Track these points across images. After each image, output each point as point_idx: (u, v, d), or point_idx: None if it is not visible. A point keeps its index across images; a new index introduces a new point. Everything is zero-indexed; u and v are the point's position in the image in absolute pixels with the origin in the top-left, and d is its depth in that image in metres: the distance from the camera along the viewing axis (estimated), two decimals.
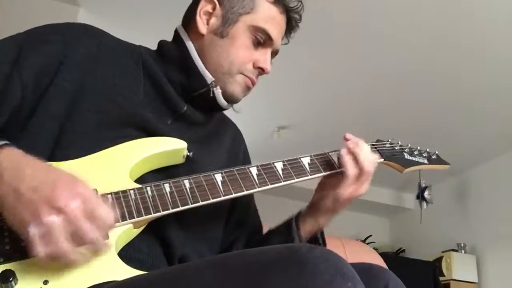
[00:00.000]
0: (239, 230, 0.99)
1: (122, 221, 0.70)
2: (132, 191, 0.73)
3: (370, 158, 0.90)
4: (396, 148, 1.03)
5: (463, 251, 4.08)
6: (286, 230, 0.93)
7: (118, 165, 0.76)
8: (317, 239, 0.96)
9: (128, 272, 0.67)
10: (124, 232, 0.71)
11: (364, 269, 0.68)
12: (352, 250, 1.73)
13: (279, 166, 0.87)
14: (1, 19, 2.51)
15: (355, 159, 0.89)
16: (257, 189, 0.83)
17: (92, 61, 0.82)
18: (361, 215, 5.18)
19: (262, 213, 1.07)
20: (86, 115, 0.77)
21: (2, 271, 0.60)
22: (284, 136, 4.06)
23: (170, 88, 0.87)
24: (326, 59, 2.99)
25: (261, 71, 0.92)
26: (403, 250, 4.91)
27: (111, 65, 0.84)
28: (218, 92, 0.89)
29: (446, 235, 4.30)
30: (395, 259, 4.34)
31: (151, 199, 0.74)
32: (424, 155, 1.06)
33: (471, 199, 4.24)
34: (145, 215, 0.72)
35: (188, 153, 0.84)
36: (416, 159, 1.04)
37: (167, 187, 0.76)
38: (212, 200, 0.78)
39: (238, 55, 0.89)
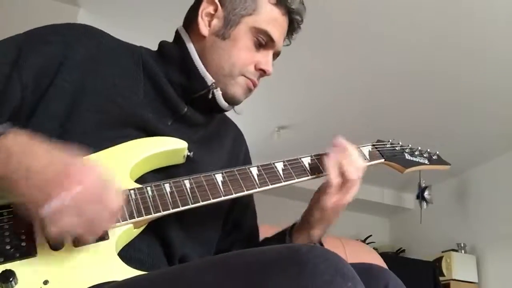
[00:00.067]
0: (235, 232, 0.99)
1: (122, 221, 0.70)
2: (132, 191, 0.73)
3: (356, 165, 0.86)
4: (396, 148, 1.03)
5: (463, 251, 4.08)
6: (279, 243, 0.92)
7: (118, 165, 0.76)
8: None
9: (128, 272, 0.67)
10: (124, 232, 0.71)
11: (364, 269, 0.68)
12: (352, 250, 1.74)
13: (279, 166, 0.87)
14: (1, 19, 2.51)
15: (339, 168, 0.86)
16: (258, 189, 0.83)
17: (92, 62, 0.82)
18: (361, 215, 5.18)
19: (263, 213, 1.07)
20: (86, 115, 0.77)
21: (2, 271, 0.60)
22: (284, 136, 4.06)
23: (170, 89, 0.87)
24: (326, 59, 3.00)
25: (263, 73, 0.91)
26: (403, 250, 4.91)
27: (111, 66, 0.84)
28: (218, 93, 0.89)
29: (446, 235, 4.30)
30: (395, 259, 4.34)
31: (151, 199, 0.74)
32: (424, 155, 1.06)
33: (471, 199, 4.24)
34: (146, 215, 0.72)
35: (189, 153, 0.84)
36: (417, 159, 1.04)
37: (167, 187, 0.76)
38: (212, 200, 0.78)
39: (240, 57, 0.88)
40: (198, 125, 0.91)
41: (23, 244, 0.64)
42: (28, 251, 0.63)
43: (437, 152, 1.09)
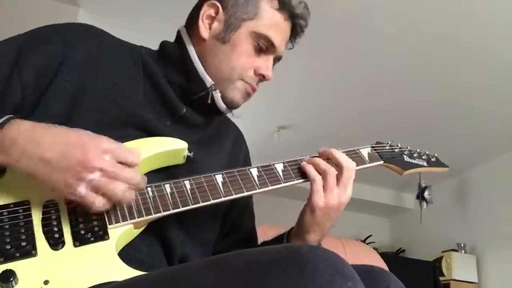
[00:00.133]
0: (233, 234, 0.99)
1: (122, 221, 0.70)
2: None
3: (339, 160, 0.87)
4: (395, 150, 1.03)
5: (463, 251, 4.08)
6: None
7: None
8: None
9: (128, 272, 0.67)
10: (125, 232, 0.71)
11: (365, 271, 0.68)
12: (352, 250, 1.74)
13: (279, 167, 0.87)
14: (2, 19, 2.51)
15: (316, 165, 0.87)
16: (258, 190, 0.83)
17: (92, 62, 0.82)
18: (361, 215, 5.18)
19: (263, 213, 1.07)
20: (86, 115, 0.78)
21: (3, 271, 0.60)
22: (284, 136, 4.06)
23: (169, 90, 0.87)
24: (327, 59, 3.00)
25: (262, 78, 0.91)
26: (403, 250, 4.91)
27: (111, 66, 0.84)
28: (217, 96, 0.88)
29: (446, 235, 4.30)
30: (395, 259, 4.33)
31: (151, 199, 0.74)
32: (423, 157, 1.06)
33: (471, 199, 4.24)
34: (146, 216, 0.72)
35: (189, 154, 0.84)
36: (416, 161, 1.04)
37: (167, 187, 0.76)
38: (212, 201, 0.78)
39: (239, 61, 0.88)
40: (197, 126, 0.91)
41: (24, 244, 0.64)
42: (28, 251, 0.63)
43: (436, 154, 1.09)
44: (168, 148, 0.82)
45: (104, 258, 0.67)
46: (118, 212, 0.70)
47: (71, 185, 0.63)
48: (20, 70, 0.76)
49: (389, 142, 1.04)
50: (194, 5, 0.95)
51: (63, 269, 0.64)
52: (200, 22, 0.89)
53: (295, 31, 0.95)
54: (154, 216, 0.73)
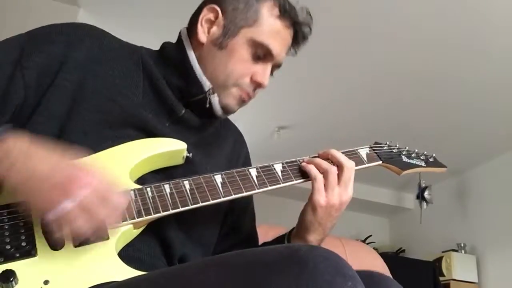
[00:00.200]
0: (234, 234, 0.99)
1: (122, 221, 0.70)
2: (132, 192, 0.73)
3: (338, 159, 0.88)
4: (394, 150, 1.03)
5: (463, 251, 4.08)
6: None
7: (118, 166, 0.76)
8: None
9: (128, 272, 0.67)
10: (124, 232, 0.71)
11: (365, 276, 0.67)
12: (352, 250, 1.74)
13: (278, 167, 0.87)
14: (2, 19, 2.52)
15: (317, 164, 0.88)
16: (257, 191, 0.83)
17: (93, 62, 0.82)
18: (361, 215, 5.18)
19: (262, 213, 1.07)
20: (86, 115, 0.78)
21: (3, 271, 0.60)
22: (284, 136, 4.06)
23: (168, 91, 0.87)
24: (327, 59, 3.00)
25: (258, 85, 0.90)
26: (403, 250, 4.91)
27: (112, 66, 0.84)
28: (215, 100, 0.88)
29: (446, 235, 4.30)
30: (395, 259, 4.33)
31: (151, 200, 0.74)
32: (421, 157, 1.07)
33: (471, 199, 4.24)
34: (145, 216, 0.72)
35: (188, 154, 0.84)
36: (414, 161, 1.04)
37: (167, 188, 0.76)
38: (211, 201, 0.78)
39: (235, 69, 0.87)
40: (195, 128, 0.91)
41: (23, 244, 0.64)
42: (28, 251, 0.63)
43: (434, 155, 1.09)
44: (168, 149, 0.82)
45: (104, 258, 0.67)
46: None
47: (56, 202, 0.60)
48: (22, 69, 0.76)
49: (387, 143, 1.04)
50: (194, 5, 0.95)
51: (63, 269, 0.64)
52: (199, 26, 0.89)
53: (297, 39, 0.94)
54: (154, 216, 0.73)
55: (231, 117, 1.06)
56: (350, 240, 1.91)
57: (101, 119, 0.79)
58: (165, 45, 0.93)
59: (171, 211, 0.75)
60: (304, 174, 0.89)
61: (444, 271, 3.96)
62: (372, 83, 3.21)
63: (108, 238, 0.68)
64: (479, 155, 4.01)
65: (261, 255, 0.59)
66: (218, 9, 0.88)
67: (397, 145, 1.05)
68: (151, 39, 1.03)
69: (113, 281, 0.66)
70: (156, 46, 0.94)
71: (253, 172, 0.84)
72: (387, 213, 5.40)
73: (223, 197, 0.79)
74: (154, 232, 0.78)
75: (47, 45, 0.80)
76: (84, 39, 0.83)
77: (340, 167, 0.87)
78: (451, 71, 2.97)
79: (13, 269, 0.61)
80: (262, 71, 0.89)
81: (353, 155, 0.95)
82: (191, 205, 0.76)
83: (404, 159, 1.04)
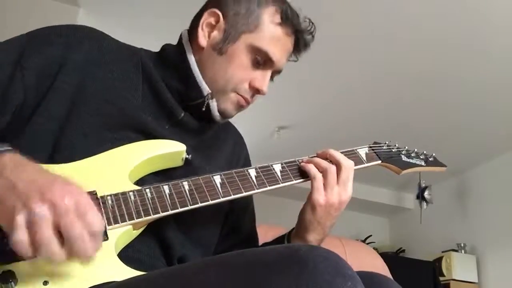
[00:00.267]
0: (234, 235, 0.99)
1: (121, 222, 0.70)
2: (131, 193, 0.73)
3: (336, 158, 0.88)
4: (393, 150, 1.04)
5: (463, 251, 4.08)
6: None
7: (118, 167, 0.76)
8: None
9: (127, 272, 0.67)
10: (124, 233, 0.71)
11: (365, 277, 0.67)
12: (352, 250, 1.73)
13: (277, 168, 0.87)
14: (2, 19, 2.52)
15: (317, 163, 0.88)
16: (256, 191, 0.83)
17: (92, 64, 0.82)
18: (361, 215, 5.18)
19: (263, 213, 1.07)
20: (86, 117, 0.78)
21: (2, 272, 0.60)
22: (284, 136, 4.06)
23: (167, 94, 0.86)
24: (327, 59, 2.99)
25: (257, 91, 0.89)
26: (403, 250, 4.92)
27: (111, 68, 0.84)
28: (213, 105, 0.88)
29: (446, 235, 4.30)
30: (395, 259, 4.34)
31: (150, 201, 0.74)
32: (421, 157, 1.07)
33: (471, 199, 4.24)
34: (145, 217, 0.72)
35: (187, 156, 0.84)
36: (413, 161, 1.04)
37: (166, 189, 0.76)
38: (211, 202, 0.78)
39: (235, 74, 0.87)
40: (194, 131, 0.91)
41: None
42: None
43: (434, 154, 1.09)
44: (167, 150, 0.82)
45: (103, 259, 0.67)
46: (117, 213, 0.70)
47: (14, 211, 0.55)
48: (22, 70, 0.76)
49: (387, 142, 1.04)
50: (194, 5, 0.95)
51: (62, 270, 0.64)
52: (199, 29, 0.88)
53: (299, 46, 0.93)
54: (153, 217, 0.73)
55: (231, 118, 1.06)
56: (350, 240, 1.91)
57: (101, 121, 0.79)
58: (165, 47, 0.92)
59: (170, 212, 0.75)
60: (304, 174, 0.89)
61: (444, 271, 3.96)
62: (372, 83, 3.22)
63: (107, 239, 0.68)
64: (479, 155, 4.01)
65: (261, 255, 0.59)
66: (219, 13, 0.88)
67: (397, 145, 1.05)
68: (151, 39, 1.03)
69: (112, 281, 0.66)
70: (156, 47, 0.94)
71: (252, 172, 0.84)
72: (387, 213, 5.40)
73: (222, 198, 0.79)
74: (154, 233, 0.78)
75: (46, 46, 0.80)
76: (83, 41, 0.83)
77: (338, 166, 0.87)
78: (451, 71, 2.97)
79: (13, 270, 0.61)
80: (262, 77, 0.89)
81: (352, 155, 0.95)
82: (190, 205, 0.76)
83: (404, 158, 1.04)
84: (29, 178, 0.59)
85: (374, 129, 3.63)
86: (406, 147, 1.07)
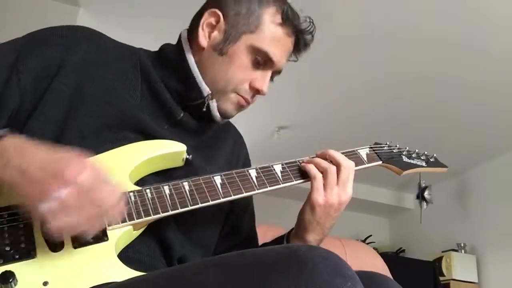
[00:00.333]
0: (233, 235, 0.98)
1: (121, 222, 0.70)
2: (131, 193, 0.73)
3: (336, 159, 0.88)
4: (394, 150, 1.03)
5: (463, 251, 4.08)
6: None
7: (118, 168, 0.76)
8: None
9: (128, 273, 0.67)
10: (124, 233, 0.71)
11: (365, 276, 0.67)
12: (352, 250, 1.73)
13: (277, 168, 0.87)
14: (2, 19, 2.52)
15: (317, 163, 0.88)
16: (256, 191, 0.83)
17: (91, 65, 0.82)
18: (361, 215, 5.18)
19: (263, 213, 1.07)
20: (85, 119, 0.77)
21: (2, 272, 0.60)
22: (284, 136, 4.06)
23: (166, 94, 0.86)
24: (326, 60, 2.99)
25: (257, 92, 0.89)
26: (403, 250, 4.92)
27: (109, 68, 0.84)
28: (213, 105, 0.88)
29: (446, 235, 4.30)
30: (395, 259, 4.34)
31: (150, 201, 0.74)
32: (422, 158, 1.07)
33: (471, 199, 4.25)
34: (145, 217, 0.72)
35: (187, 156, 0.84)
36: (414, 161, 1.04)
37: (166, 189, 0.76)
38: (211, 202, 0.78)
39: (235, 75, 0.86)
40: (194, 131, 0.91)
41: (23, 245, 0.64)
42: (27, 253, 0.63)
43: (434, 155, 1.09)
44: (168, 150, 0.82)
45: (103, 259, 0.67)
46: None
47: (37, 198, 0.58)
48: (18, 74, 0.76)
49: (388, 143, 1.04)
50: (195, 5, 0.94)
51: (62, 271, 0.64)
52: (200, 30, 0.88)
53: (299, 46, 0.93)
54: (153, 217, 0.73)
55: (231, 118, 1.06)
56: (350, 240, 1.91)
57: (100, 122, 0.78)
58: (164, 47, 0.92)
59: (171, 212, 0.74)
60: (304, 175, 0.89)
61: (444, 271, 3.96)
62: (372, 83, 3.22)
63: (107, 239, 0.68)
64: (479, 155, 4.01)
65: (261, 256, 0.59)
66: (220, 13, 0.87)
67: (397, 145, 1.05)
68: (151, 39, 1.03)
69: (112, 282, 0.66)
70: (156, 47, 0.94)
71: (253, 172, 0.84)
72: (387, 213, 5.40)
73: (222, 198, 0.79)
74: (154, 233, 0.78)
75: (44, 48, 0.79)
76: (81, 41, 0.82)
77: (338, 166, 0.87)
78: (451, 71, 2.97)
79: (13, 270, 0.61)
80: (262, 77, 0.88)
81: (353, 156, 0.95)
82: (191, 206, 0.76)
83: (405, 159, 1.03)
84: (38, 163, 0.60)
85: (374, 129, 3.63)
86: (407, 148, 1.07)
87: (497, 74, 2.94)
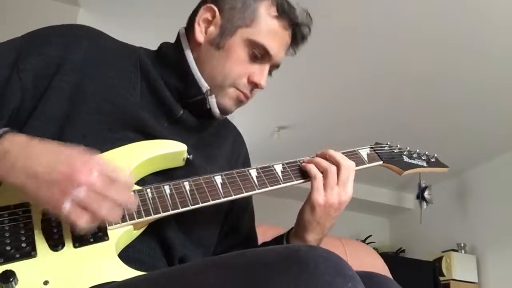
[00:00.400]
0: (233, 235, 0.98)
1: (122, 222, 0.70)
2: (132, 193, 0.73)
3: (335, 159, 0.88)
4: (395, 151, 1.04)
5: (463, 251, 4.08)
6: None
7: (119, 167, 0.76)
8: None
9: (128, 273, 0.67)
10: (125, 233, 0.71)
11: (366, 277, 0.67)
12: (352, 250, 1.73)
13: (278, 168, 0.87)
14: (2, 19, 2.52)
15: (317, 163, 0.88)
16: (257, 191, 0.83)
17: (91, 63, 0.82)
18: (361, 215, 5.18)
19: (263, 213, 1.07)
20: (85, 117, 0.78)
21: (3, 271, 0.60)
22: (284, 136, 4.06)
23: (166, 92, 0.86)
24: (326, 59, 3.00)
25: (255, 86, 0.89)
26: (403, 250, 4.92)
27: (109, 67, 0.84)
28: (213, 101, 0.88)
29: (446, 235, 4.30)
30: (395, 259, 4.34)
31: (151, 201, 0.74)
32: (423, 158, 1.07)
33: (471, 199, 4.25)
34: (145, 217, 0.72)
35: (188, 156, 0.84)
36: (415, 161, 1.04)
37: (167, 189, 0.76)
38: (211, 202, 0.78)
39: (233, 69, 0.86)
40: (193, 128, 0.91)
41: (23, 245, 0.64)
42: (28, 252, 0.64)
43: (435, 155, 1.09)
44: (168, 150, 0.82)
45: (104, 259, 0.67)
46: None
47: (57, 201, 0.61)
48: (19, 72, 0.76)
49: (388, 143, 1.04)
50: (194, 5, 0.94)
51: (62, 270, 0.64)
52: (196, 25, 0.88)
53: (296, 39, 0.93)
54: (154, 217, 0.73)
55: (231, 117, 1.06)
56: (350, 240, 1.91)
57: (100, 120, 0.79)
58: (163, 46, 0.92)
59: (171, 212, 0.75)
60: (304, 174, 0.89)
61: (444, 271, 3.96)
62: (372, 83, 3.22)
63: (108, 239, 0.68)
64: (479, 155, 4.01)
65: (261, 256, 0.59)
66: (215, 8, 0.88)
67: (398, 146, 1.05)
68: (151, 39, 1.03)
69: (113, 281, 0.66)
70: (156, 46, 0.94)
71: (253, 172, 0.84)
72: (387, 213, 5.40)
73: (223, 198, 0.79)
74: (155, 233, 0.78)
75: (44, 46, 0.79)
76: (81, 40, 0.83)
77: (338, 166, 0.87)
78: (451, 71, 2.97)
79: (13, 269, 0.61)
80: (260, 71, 0.88)
81: (353, 156, 0.95)
82: (191, 205, 0.76)
83: (405, 159, 1.03)
84: (46, 164, 0.62)
85: (374, 129, 3.63)
86: (408, 148, 1.07)
87: (497, 74, 2.93)
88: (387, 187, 4.98)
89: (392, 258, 4.22)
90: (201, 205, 0.77)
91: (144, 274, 0.67)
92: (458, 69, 2.94)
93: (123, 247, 0.73)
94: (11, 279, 0.60)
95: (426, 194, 3.71)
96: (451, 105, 3.35)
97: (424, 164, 1.06)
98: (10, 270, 0.61)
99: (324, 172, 0.86)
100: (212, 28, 0.88)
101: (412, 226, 4.90)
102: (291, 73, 3.04)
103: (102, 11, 2.81)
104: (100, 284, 0.65)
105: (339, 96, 3.43)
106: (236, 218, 0.99)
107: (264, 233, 1.10)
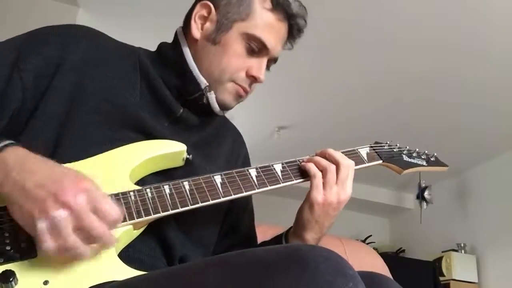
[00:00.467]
0: (232, 234, 0.98)
1: (122, 222, 0.70)
2: (132, 193, 0.73)
3: (334, 158, 0.88)
4: (394, 150, 1.03)
5: (463, 251, 4.08)
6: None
7: (118, 167, 0.76)
8: None
9: (128, 272, 0.67)
10: (125, 233, 0.71)
11: (366, 277, 0.67)
12: (352, 250, 1.73)
13: (278, 167, 0.87)
14: (2, 19, 2.52)
15: (316, 161, 0.88)
16: (256, 191, 0.83)
17: (90, 63, 0.82)
18: (361, 215, 5.19)
19: (263, 213, 1.07)
20: (85, 117, 0.78)
21: (3, 271, 0.60)
22: (284, 136, 4.07)
23: (166, 91, 0.86)
24: (326, 59, 3.00)
25: (254, 80, 0.89)
26: (403, 250, 4.92)
27: (109, 67, 0.84)
28: (212, 97, 0.88)
29: (446, 235, 4.30)
30: (395, 259, 4.34)
31: (150, 200, 0.74)
32: (422, 157, 1.06)
33: (471, 199, 4.24)
34: (145, 217, 0.72)
35: (188, 156, 0.84)
36: (415, 161, 1.04)
37: (167, 188, 0.76)
38: (211, 202, 0.78)
39: (230, 63, 0.87)
40: (194, 127, 0.91)
41: (23, 245, 0.64)
42: (28, 252, 0.63)
43: (435, 154, 1.09)
44: (168, 150, 0.82)
45: (104, 259, 0.67)
46: (124, 209, 0.70)
47: (32, 219, 0.59)
48: (19, 72, 0.76)
49: (388, 142, 1.04)
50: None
51: (62, 270, 0.64)
52: (192, 22, 0.89)
53: (292, 32, 0.93)
54: (153, 217, 0.73)
55: (231, 117, 1.06)
56: (350, 240, 1.90)
57: (100, 121, 0.79)
58: (161, 45, 0.93)
59: (171, 212, 0.74)
60: (304, 174, 0.89)
61: (444, 271, 3.96)
62: (372, 83, 3.22)
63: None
64: (479, 155, 4.01)
65: (261, 255, 0.59)
66: (211, 4, 0.88)
67: (398, 145, 1.05)
68: (151, 39, 1.03)
69: (113, 281, 0.66)
70: (156, 46, 0.94)
71: (253, 172, 0.84)
72: (387, 213, 5.40)
73: (222, 197, 0.79)
74: (155, 233, 0.78)
75: (43, 46, 0.79)
76: (80, 40, 0.83)
77: (337, 165, 0.87)
78: (451, 71, 2.97)
79: (13, 269, 0.61)
80: (257, 65, 0.88)
81: (353, 155, 0.95)
82: (191, 205, 0.76)
83: (405, 158, 1.03)
84: (37, 179, 0.61)
85: (374, 129, 3.63)
86: (407, 147, 1.07)
87: (497, 74, 2.94)
88: (387, 187, 4.98)
89: (392, 258, 4.23)
90: (200, 204, 0.77)
91: (144, 274, 0.67)
92: (458, 69, 2.94)
93: (123, 247, 0.73)
94: (11, 279, 0.60)
95: (426, 194, 3.71)
96: (451, 105, 3.35)
97: (424, 163, 1.06)
98: (10, 270, 0.60)
99: (323, 170, 0.86)
100: (208, 24, 0.88)
101: (412, 226, 4.90)
102: (291, 73, 3.04)
103: (101, 11, 2.81)
104: (100, 284, 0.65)
105: (339, 96, 3.43)
106: (235, 218, 0.99)
107: (264, 232, 1.10)
